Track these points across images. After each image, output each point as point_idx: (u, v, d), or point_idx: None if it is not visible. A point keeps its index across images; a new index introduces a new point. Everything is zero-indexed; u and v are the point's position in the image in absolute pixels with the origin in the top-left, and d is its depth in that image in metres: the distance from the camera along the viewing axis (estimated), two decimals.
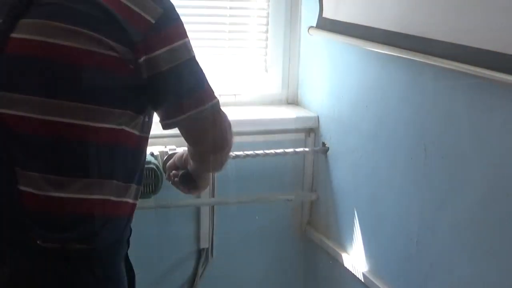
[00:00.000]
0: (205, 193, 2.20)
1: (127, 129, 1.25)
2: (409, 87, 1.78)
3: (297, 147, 2.25)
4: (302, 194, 2.38)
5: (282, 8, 2.35)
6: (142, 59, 1.20)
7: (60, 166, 1.21)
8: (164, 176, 1.79)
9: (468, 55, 1.48)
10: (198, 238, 2.29)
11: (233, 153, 2.02)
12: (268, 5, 2.35)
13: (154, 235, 2.19)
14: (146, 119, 1.31)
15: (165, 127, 1.31)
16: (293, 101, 2.44)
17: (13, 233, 1.23)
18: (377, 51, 1.84)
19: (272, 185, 2.33)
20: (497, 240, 1.51)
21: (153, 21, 1.21)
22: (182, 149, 1.72)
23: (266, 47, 2.39)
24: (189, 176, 1.61)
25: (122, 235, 1.34)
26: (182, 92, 1.27)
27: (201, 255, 2.31)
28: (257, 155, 2.15)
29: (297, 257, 2.44)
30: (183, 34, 1.28)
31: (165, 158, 1.82)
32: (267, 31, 2.37)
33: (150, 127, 1.35)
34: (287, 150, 2.20)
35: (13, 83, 1.19)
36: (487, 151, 1.52)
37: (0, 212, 1.23)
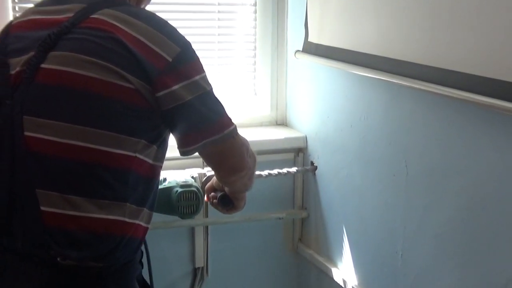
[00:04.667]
0: (199, 213, 2.24)
1: (140, 156, 1.32)
2: (389, 108, 1.84)
3: (286, 167, 2.29)
4: (293, 212, 2.42)
5: (269, 33, 2.42)
6: (159, 94, 1.28)
7: (78, 187, 1.29)
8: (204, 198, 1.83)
9: (443, 77, 1.54)
10: (193, 258, 2.33)
11: None
12: (255, 31, 2.41)
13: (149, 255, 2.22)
14: (160, 149, 1.37)
15: (182, 154, 1.37)
16: (282, 122, 2.49)
17: (36, 251, 1.30)
18: (359, 74, 1.90)
19: (263, 204, 2.37)
20: (477, 250, 1.56)
21: (170, 59, 1.28)
22: None
23: (255, 71, 2.45)
24: (227, 197, 1.67)
25: (135, 256, 1.40)
26: (197, 123, 1.34)
27: (197, 274, 2.34)
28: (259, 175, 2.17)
29: (290, 273, 2.48)
30: (199, 70, 1.34)
31: (204, 180, 1.85)
32: (255, 56, 2.43)
33: (164, 157, 1.41)
34: (277, 171, 2.24)
35: (40, 109, 1.28)
36: (464, 167, 1.58)
37: (24, 231, 1.31)
